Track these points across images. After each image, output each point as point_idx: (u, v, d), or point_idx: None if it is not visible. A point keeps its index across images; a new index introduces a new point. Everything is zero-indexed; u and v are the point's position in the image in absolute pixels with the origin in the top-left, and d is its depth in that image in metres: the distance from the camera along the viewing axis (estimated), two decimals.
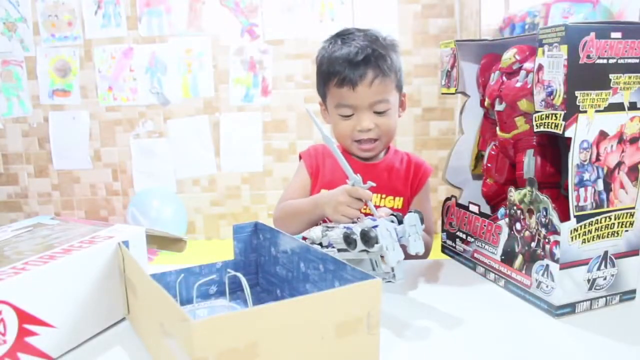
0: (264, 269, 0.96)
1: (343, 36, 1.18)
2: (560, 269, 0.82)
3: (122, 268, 0.83)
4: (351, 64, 1.13)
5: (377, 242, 0.83)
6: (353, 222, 0.97)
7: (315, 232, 1.00)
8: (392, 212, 0.95)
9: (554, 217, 0.82)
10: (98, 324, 0.80)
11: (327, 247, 0.96)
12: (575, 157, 0.80)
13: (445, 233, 1.14)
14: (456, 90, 1.08)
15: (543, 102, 0.82)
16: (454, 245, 1.11)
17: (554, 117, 0.80)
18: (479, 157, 1.14)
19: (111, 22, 3.34)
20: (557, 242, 0.82)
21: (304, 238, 1.06)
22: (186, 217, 3.37)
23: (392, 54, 1.17)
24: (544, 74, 0.81)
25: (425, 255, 1.19)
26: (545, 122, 0.82)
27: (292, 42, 3.35)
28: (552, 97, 0.80)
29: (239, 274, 0.79)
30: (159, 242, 1.03)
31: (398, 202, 1.24)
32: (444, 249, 1.16)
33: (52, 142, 3.48)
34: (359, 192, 0.97)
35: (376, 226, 0.86)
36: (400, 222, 0.90)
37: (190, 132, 3.44)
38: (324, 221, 1.11)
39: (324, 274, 0.79)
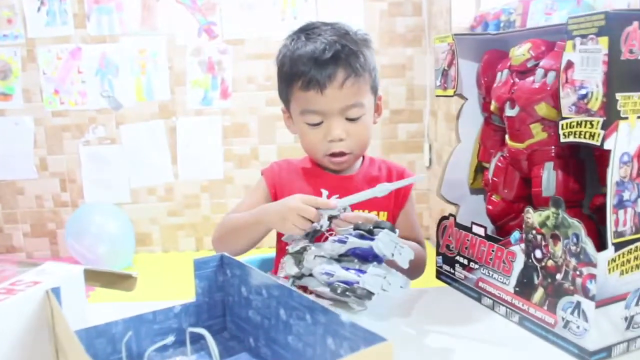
0: (232, 311, 0.79)
1: (307, 31, 1.03)
2: (597, 307, 0.68)
3: (50, 324, 0.64)
4: (318, 63, 0.97)
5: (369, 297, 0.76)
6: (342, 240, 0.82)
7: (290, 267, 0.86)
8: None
9: (588, 245, 0.68)
10: None
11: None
12: (614, 173, 0.66)
13: (441, 257, 0.99)
14: (455, 92, 0.94)
15: (574, 107, 0.68)
16: (452, 271, 0.97)
17: (588, 125, 0.66)
18: (478, 169, 1.00)
19: (56, 19, 3.14)
20: (592, 276, 0.68)
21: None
22: (133, 231, 3.15)
23: (365, 50, 1.02)
24: (575, 73, 0.67)
25: (422, 268, 1.06)
26: (576, 131, 0.68)
27: (253, 42, 3.22)
28: (586, 100, 0.66)
29: (203, 331, 0.62)
30: (104, 278, 0.85)
31: (382, 217, 1.08)
32: (440, 274, 1.01)
33: None
34: (318, 201, 0.85)
35: (373, 239, 0.78)
36: (369, 232, 0.80)
37: (145, 137, 3.27)
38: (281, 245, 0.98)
39: (313, 326, 0.62)
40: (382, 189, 0.86)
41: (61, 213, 3.30)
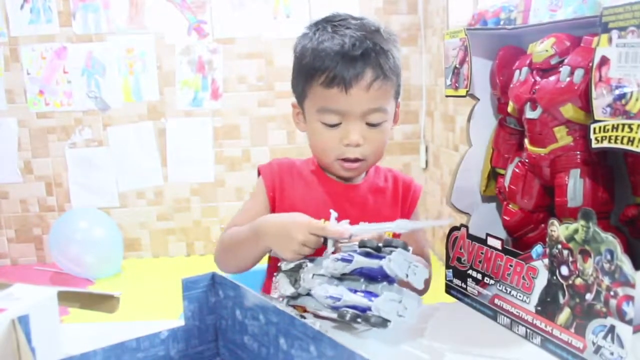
0: (225, 336, 0.71)
1: (333, 22, 0.95)
2: (634, 332, 0.61)
3: (17, 357, 0.56)
4: (346, 59, 0.90)
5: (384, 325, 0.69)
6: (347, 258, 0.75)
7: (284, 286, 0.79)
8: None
9: (625, 263, 0.61)
10: None
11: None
12: None
13: (451, 270, 0.92)
14: (467, 92, 0.87)
15: (609, 109, 0.61)
16: (463, 285, 0.89)
17: (627, 129, 0.59)
18: (491, 176, 0.92)
19: (40, 17, 3.06)
20: (629, 297, 0.61)
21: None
22: (121, 237, 3.05)
23: (395, 51, 0.95)
24: (611, 70, 0.60)
25: (428, 284, 0.98)
26: (611, 136, 0.61)
27: (244, 41, 3.16)
28: (624, 101, 0.59)
29: None
30: (82, 300, 0.77)
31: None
32: (450, 289, 0.93)
33: None
34: (327, 231, 0.79)
35: (382, 257, 0.70)
36: (377, 249, 0.73)
37: (133, 139, 3.20)
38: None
39: None
40: (399, 226, 0.79)
41: (47, 218, 3.22)
